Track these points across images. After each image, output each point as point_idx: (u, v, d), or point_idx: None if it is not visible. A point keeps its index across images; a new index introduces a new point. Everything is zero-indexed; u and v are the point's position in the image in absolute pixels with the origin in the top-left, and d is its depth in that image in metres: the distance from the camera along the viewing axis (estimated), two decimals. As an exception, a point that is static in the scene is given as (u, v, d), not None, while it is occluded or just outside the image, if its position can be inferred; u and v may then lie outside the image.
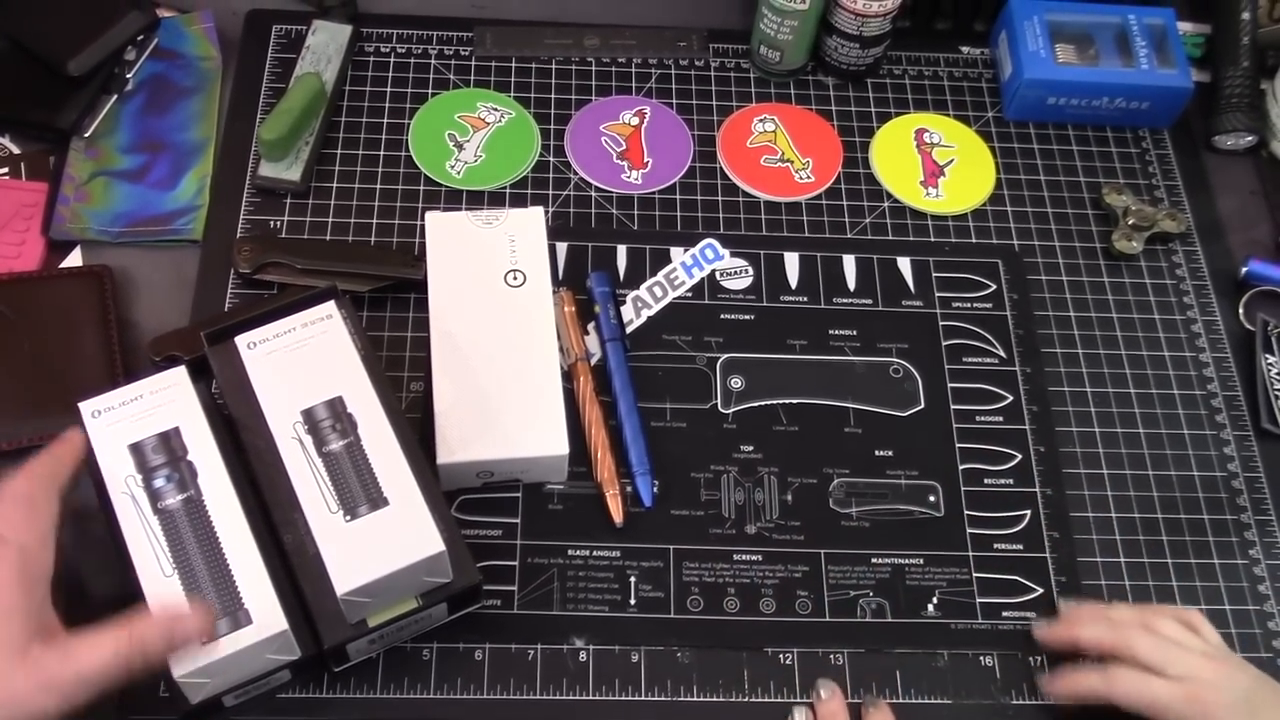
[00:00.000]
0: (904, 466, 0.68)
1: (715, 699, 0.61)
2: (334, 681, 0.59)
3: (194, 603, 0.51)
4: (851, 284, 0.74)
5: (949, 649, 0.63)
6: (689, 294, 0.73)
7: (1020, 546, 0.66)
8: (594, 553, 0.64)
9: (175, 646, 0.49)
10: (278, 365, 0.59)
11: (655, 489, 0.66)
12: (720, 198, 0.78)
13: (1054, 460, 0.69)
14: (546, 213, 0.74)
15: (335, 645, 0.56)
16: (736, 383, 0.70)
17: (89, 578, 0.60)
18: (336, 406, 0.58)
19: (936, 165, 0.80)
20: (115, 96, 0.77)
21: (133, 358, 0.68)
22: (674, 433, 0.68)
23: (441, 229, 0.68)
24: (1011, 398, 0.71)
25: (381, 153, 0.77)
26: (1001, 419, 0.70)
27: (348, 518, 0.55)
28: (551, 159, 0.78)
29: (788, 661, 0.62)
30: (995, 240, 0.78)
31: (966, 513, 0.67)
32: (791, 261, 0.75)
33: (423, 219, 0.71)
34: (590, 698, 0.60)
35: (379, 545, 0.54)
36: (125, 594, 0.52)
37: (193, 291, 0.71)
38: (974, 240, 0.78)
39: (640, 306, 0.72)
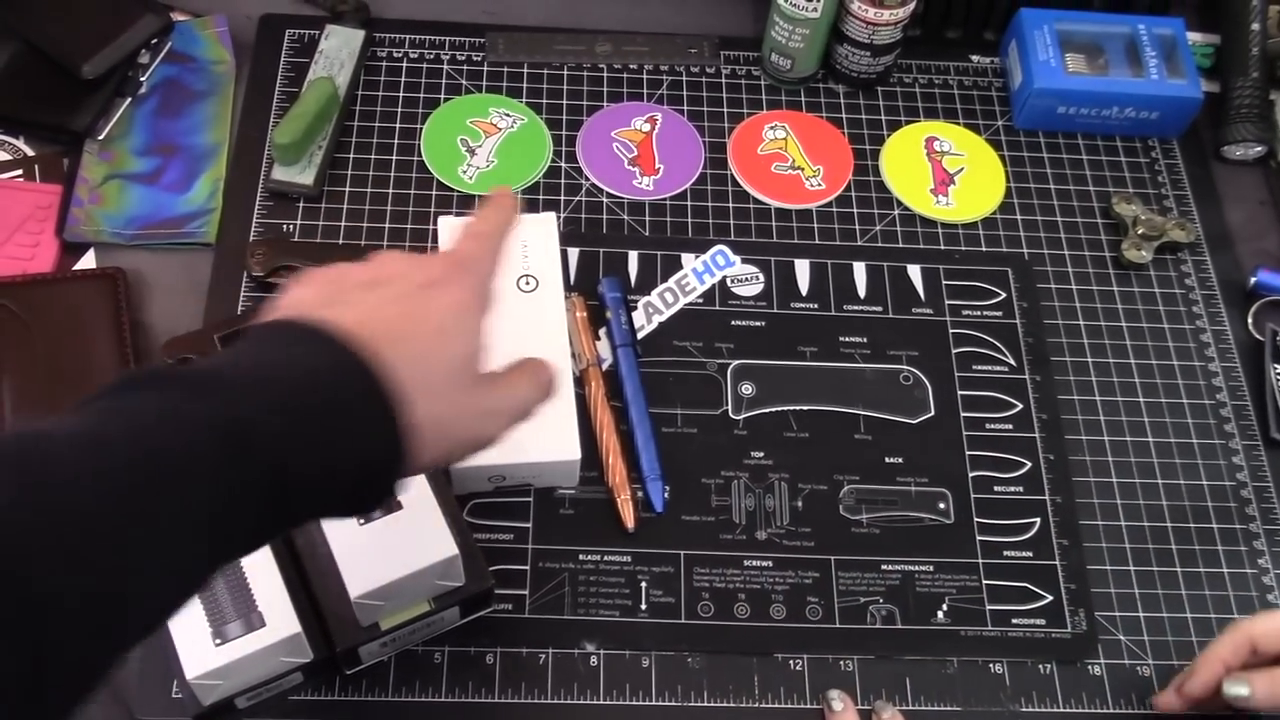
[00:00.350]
0: (914, 473, 0.68)
1: (725, 704, 0.61)
2: (346, 684, 0.59)
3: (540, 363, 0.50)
4: (862, 291, 0.75)
5: (958, 656, 0.63)
6: (700, 300, 0.73)
7: (1030, 554, 0.66)
8: (605, 557, 0.64)
9: (552, 390, 0.49)
10: (292, 368, 0.59)
11: (666, 494, 0.66)
12: (731, 204, 0.78)
13: (1063, 468, 0.69)
14: (558, 218, 0.74)
15: (347, 648, 0.56)
16: (747, 389, 0.70)
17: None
18: (350, 410, 0.58)
19: (946, 173, 0.80)
20: (129, 100, 0.77)
21: (146, 360, 0.68)
22: (685, 438, 0.68)
23: (454, 234, 0.68)
24: (1021, 406, 0.71)
25: (394, 157, 0.77)
26: (1011, 427, 0.71)
27: (361, 521, 0.55)
28: (563, 165, 0.78)
29: (798, 667, 0.62)
30: (1005, 249, 0.78)
31: (976, 520, 0.67)
32: (802, 268, 0.75)
33: (435, 223, 0.72)
34: (601, 702, 0.61)
35: (392, 549, 0.54)
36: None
37: (206, 294, 0.71)
38: (984, 248, 0.78)
39: (651, 312, 0.73)
